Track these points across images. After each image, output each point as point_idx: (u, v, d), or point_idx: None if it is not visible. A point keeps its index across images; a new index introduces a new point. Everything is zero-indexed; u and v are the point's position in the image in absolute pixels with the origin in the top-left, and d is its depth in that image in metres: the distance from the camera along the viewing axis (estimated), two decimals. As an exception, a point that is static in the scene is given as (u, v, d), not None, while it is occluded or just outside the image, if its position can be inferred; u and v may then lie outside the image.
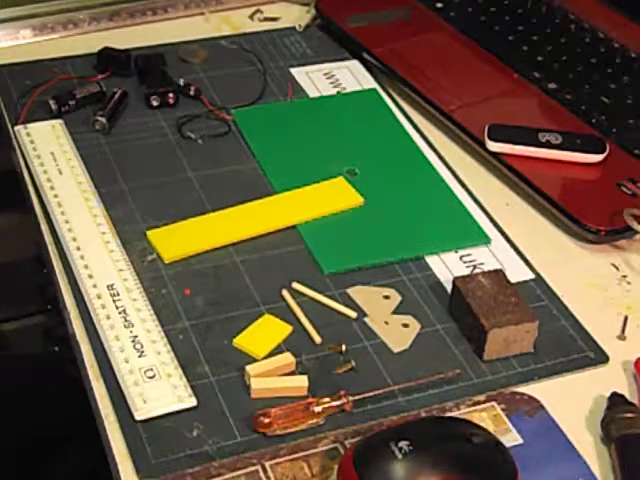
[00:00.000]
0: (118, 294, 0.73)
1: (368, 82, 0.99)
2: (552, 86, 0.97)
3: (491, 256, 0.80)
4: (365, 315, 0.74)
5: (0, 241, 1.29)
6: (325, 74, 0.99)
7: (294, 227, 0.81)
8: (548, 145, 0.87)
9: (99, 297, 0.73)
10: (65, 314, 0.74)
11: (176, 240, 0.78)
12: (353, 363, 0.70)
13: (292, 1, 1.10)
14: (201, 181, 0.84)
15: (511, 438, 0.66)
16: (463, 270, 0.78)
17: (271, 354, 0.70)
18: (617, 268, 0.81)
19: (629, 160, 0.89)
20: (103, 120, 0.88)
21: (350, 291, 0.76)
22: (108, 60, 0.95)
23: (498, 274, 0.74)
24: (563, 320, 0.75)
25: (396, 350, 0.72)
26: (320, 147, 0.90)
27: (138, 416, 0.65)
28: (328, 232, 0.81)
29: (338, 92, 0.97)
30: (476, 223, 0.83)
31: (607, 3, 1.07)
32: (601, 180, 0.86)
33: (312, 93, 0.97)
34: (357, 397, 0.67)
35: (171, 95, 0.92)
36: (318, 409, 0.66)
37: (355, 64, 1.01)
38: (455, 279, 0.74)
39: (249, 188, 0.84)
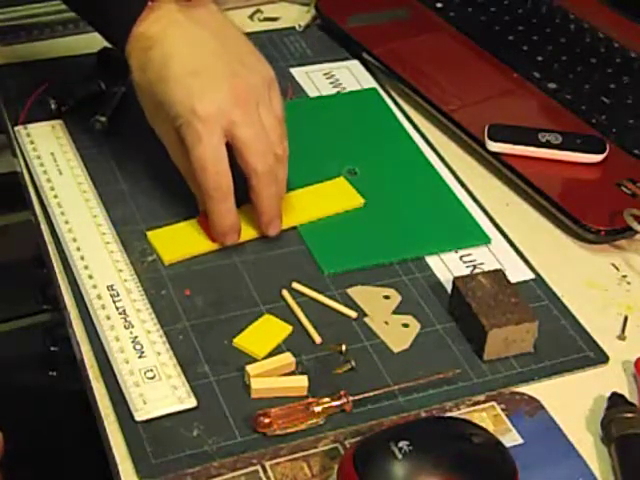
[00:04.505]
0: (118, 294, 0.73)
1: (368, 82, 0.99)
2: (552, 86, 0.97)
3: (491, 256, 0.80)
4: (365, 315, 0.74)
5: (0, 241, 1.29)
6: (325, 74, 0.99)
7: (294, 227, 0.81)
8: (548, 145, 0.87)
9: (99, 297, 0.73)
10: (65, 314, 0.74)
11: (176, 241, 0.78)
12: (353, 363, 0.70)
13: (292, 1, 1.10)
14: (201, 181, 0.84)
15: (511, 438, 0.66)
16: (463, 270, 0.78)
17: (271, 354, 0.70)
18: (617, 268, 0.81)
19: (629, 160, 0.89)
20: (103, 120, 0.88)
21: (350, 291, 0.76)
22: (108, 60, 0.95)
23: (498, 274, 0.74)
24: (563, 320, 0.75)
25: (396, 350, 0.72)
26: (320, 147, 0.90)
27: (138, 417, 0.65)
28: (328, 232, 0.81)
29: (338, 92, 0.97)
30: (476, 223, 0.83)
31: (607, 3, 1.07)
32: (601, 180, 0.86)
33: (312, 93, 0.97)
34: (357, 397, 0.67)
35: (171, 95, 0.92)
36: (318, 409, 0.66)
37: (355, 64, 1.01)
38: (455, 279, 0.74)
39: (249, 188, 0.84)
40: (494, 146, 0.88)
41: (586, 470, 0.65)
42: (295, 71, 0.99)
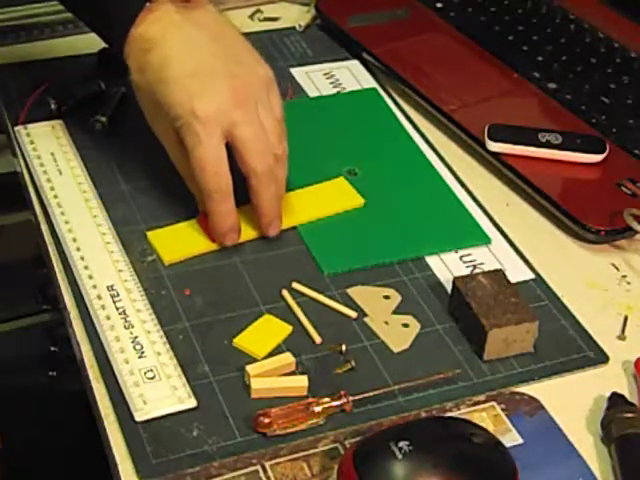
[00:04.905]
0: (118, 295, 0.73)
1: (368, 82, 0.99)
2: (552, 86, 0.97)
3: (491, 256, 0.80)
4: (365, 315, 0.74)
5: (0, 241, 1.29)
6: (325, 74, 0.99)
7: (294, 227, 0.81)
8: (548, 145, 0.87)
9: (99, 298, 0.73)
10: (65, 314, 0.74)
11: (176, 241, 0.78)
12: (353, 363, 0.70)
13: (292, 1, 1.10)
14: (201, 181, 0.84)
15: (511, 438, 0.66)
16: (463, 270, 0.78)
17: (271, 354, 0.70)
18: (617, 268, 0.81)
19: (629, 160, 0.89)
20: (103, 120, 0.88)
21: (350, 291, 0.76)
22: (108, 60, 0.95)
23: (498, 274, 0.74)
24: (563, 320, 0.75)
25: (396, 350, 0.72)
26: (320, 147, 0.90)
27: (138, 417, 0.65)
28: (328, 232, 0.81)
29: (338, 92, 0.97)
30: (476, 223, 0.83)
31: (607, 3, 1.07)
32: (601, 180, 0.86)
33: (312, 93, 0.97)
34: (357, 397, 0.67)
35: (171, 95, 0.92)
36: (318, 409, 0.66)
37: (355, 64, 1.01)
38: (455, 279, 0.74)
39: (249, 188, 0.84)
40: (494, 146, 0.88)
41: (586, 470, 0.65)
42: (295, 71, 0.99)
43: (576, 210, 0.82)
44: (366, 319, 0.74)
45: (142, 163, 0.86)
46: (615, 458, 0.64)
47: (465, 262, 0.80)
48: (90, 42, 0.93)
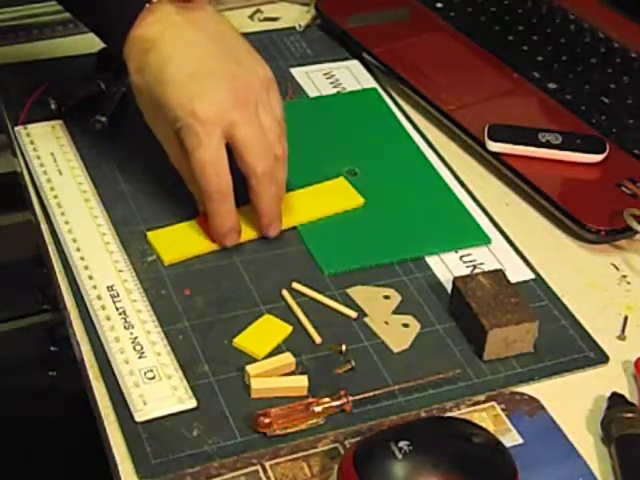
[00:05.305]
0: (118, 295, 0.73)
1: (368, 82, 0.99)
2: (552, 86, 0.97)
3: (491, 256, 0.80)
4: (365, 315, 0.74)
5: (0, 241, 1.29)
6: (325, 74, 0.99)
7: (294, 227, 0.81)
8: (548, 145, 0.87)
9: (99, 298, 0.73)
10: (65, 314, 0.74)
11: (176, 241, 0.78)
12: (353, 363, 0.70)
13: (292, 1, 1.10)
14: (201, 181, 0.84)
15: (511, 438, 0.66)
16: (463, 270, 0.78)
17: (271, 354, 0.70)
18: (617, 268, 0.81)
19: (629, 160, 0.89)
20: (103, 120, 0.88)
21: (350, 291, 0.76)
22: (108, 60, 0.95)
23: (498, 274, 0.74)
24: (563, 320, 0.75)
25: (396, 350, 0.72)
26: (320, 147, 0.90)
27: (138, 418, 0.65)
28: (328, 232, 0.81)
29: (338, 92, 0.97)
30: (476, 223, 0.83)
31: (607, 3, 1.07)
32: (601, 180, 0.86)
33: (312, 93, 0.97)
34: (357, 397, 0.67)
35: (171, 95, 0.92)
36: (318, 409, 0.66)
37: (355, 64, 1.01)
38: (455, 279, 0.74)
39: (249, 188, 0.84)
40: (494, 146, 0.88)
41: (586, 470, 0.65)
42: (295, 71, 0.99)
43: (576, 210, 0.82)
44: (366, 319, 0.74)
45: (142, 163, 0.86)
46: (615, 458, 0.64)
47: (465, 262, 0.80)
48: (90, 42, 0.93)
